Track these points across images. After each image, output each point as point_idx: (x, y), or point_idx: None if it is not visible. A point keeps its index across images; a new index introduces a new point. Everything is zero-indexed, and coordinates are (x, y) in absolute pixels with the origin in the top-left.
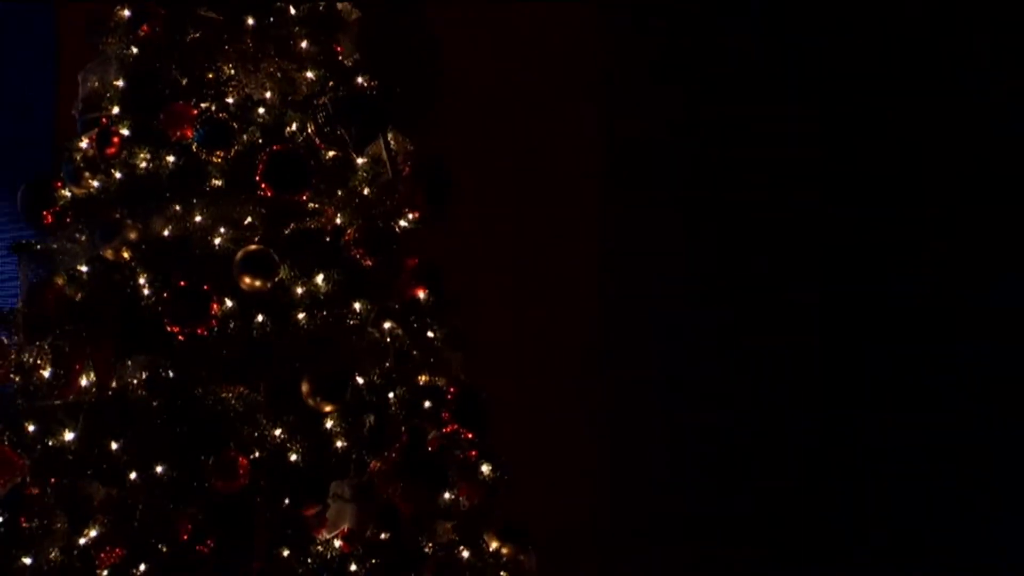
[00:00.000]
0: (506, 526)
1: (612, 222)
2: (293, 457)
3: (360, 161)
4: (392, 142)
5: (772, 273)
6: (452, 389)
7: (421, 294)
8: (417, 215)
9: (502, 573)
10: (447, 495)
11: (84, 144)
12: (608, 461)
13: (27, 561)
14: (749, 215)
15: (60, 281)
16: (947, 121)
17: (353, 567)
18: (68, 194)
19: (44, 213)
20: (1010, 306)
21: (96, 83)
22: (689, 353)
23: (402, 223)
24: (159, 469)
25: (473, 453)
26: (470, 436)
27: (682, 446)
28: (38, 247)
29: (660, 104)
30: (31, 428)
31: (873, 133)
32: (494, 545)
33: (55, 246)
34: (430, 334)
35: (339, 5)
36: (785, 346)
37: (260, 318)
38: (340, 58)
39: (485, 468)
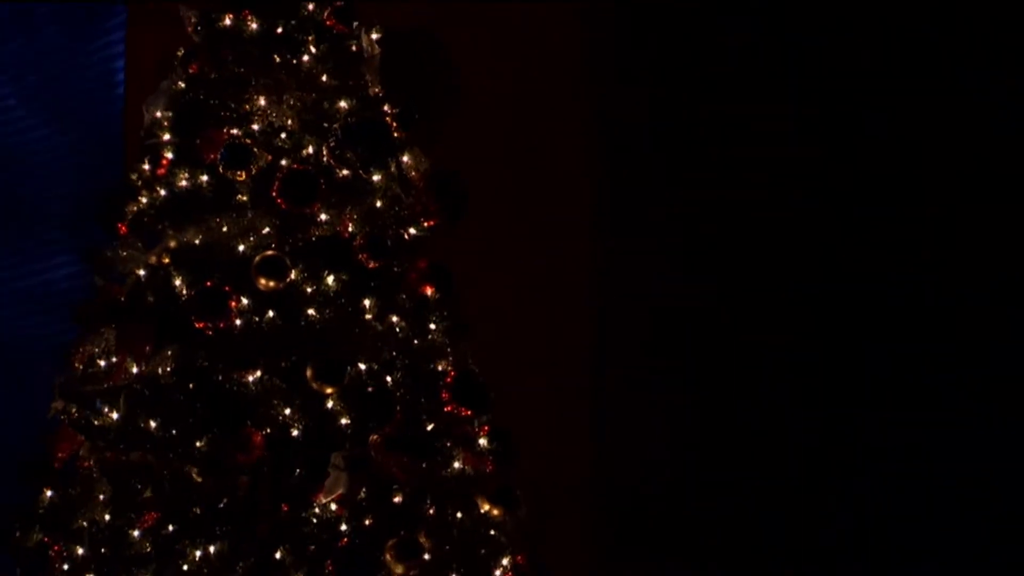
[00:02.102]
0: (496, 490)
1: (609, 221)
2: (295, 432)
3: (376, 178)
4: (409, 160)
5: (772, 272)
6: (452, 373)
7: (429, 291)
8: (432, 223)
9: (491, 531)
10: (456, 464)
11: (146, 166)
12: (606, 461)
13: (84, 524)
14: (748, 214)
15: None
16: (947, 121)
17: (343, 527)
18: (135, 208)
19: (119, 224)
20: (1010, 306)
21: (157, 113)
22: (688, 353)
23: (411, 230)
24: (187, 443)
25: (486, 428)
26: (468, 414)
27: (681, 445)
28: (108, 254)
29: (658, 102)
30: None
31: (873, 133)
32: (485, 507)
33: (123, 253)
34: (432, 326)
35: (364, 41)
36: (785, 346)
37: (271, 314)
38: (369, 88)
39: (483, 441)
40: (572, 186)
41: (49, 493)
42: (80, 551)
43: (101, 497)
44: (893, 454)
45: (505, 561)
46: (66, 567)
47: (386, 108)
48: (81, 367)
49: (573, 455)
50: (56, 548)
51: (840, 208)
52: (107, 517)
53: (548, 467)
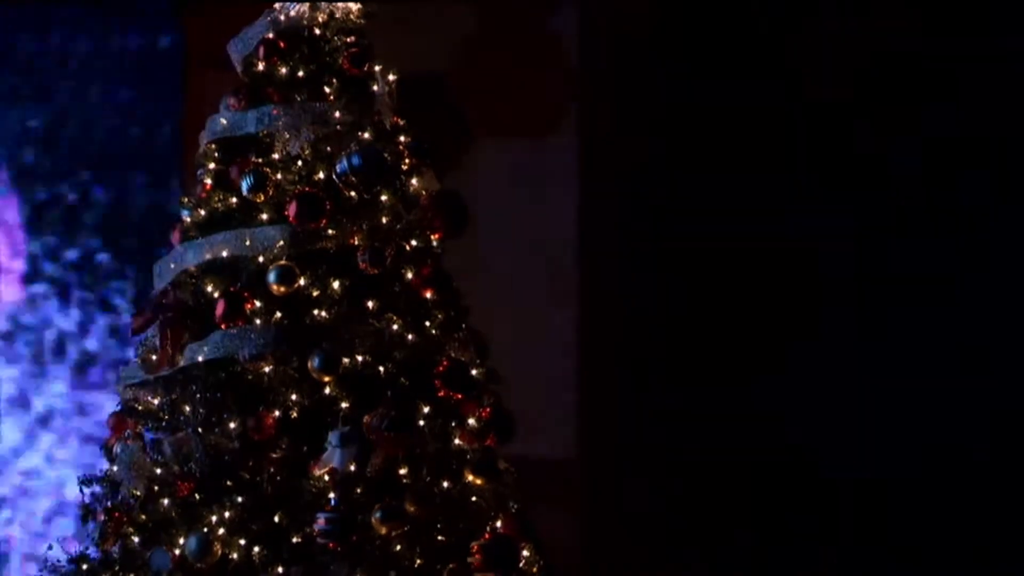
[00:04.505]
0: (479, 461)
1: (602, 218)
2: (301, 414)
3: (383, 198)
4: (418, 182)
5: (770, 270)
6: (445, 362)
7: (429, 294)
8: (438, 236)
9: (473, 498)
10: (456, 441)
11: (197, 189)
12: (600, 461)
13: (137, 492)
14: (739, 209)
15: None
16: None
17: (331, 495)
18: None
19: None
20: (1010, 305)
21: (211, 145)
22: (685, 352)
23: (413, 242)
24: (213, 423)
25: (487, 411)
26: (459, 397)
27: (677, 445)
28: (171, 264)
29: (647, 94)
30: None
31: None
32: (470, 478)
33: (172, 264)
34: (427, 324)
35: (381, 81)
36: (784, 344)
37: (279, 314)
38: (385, 122)
39: (471, 421)
40: (560, 183)
41: (115, 468)
42: (143, 517)
43: (157, 471)
44: (893, 455)
45: (490, 526)
46: (131, 531)
47: (401, 139)
48: (140, 360)
49: (563, 460)
50: (116, 515)
51: (839, 206)
52: (155, 488)
53: (536, 471)
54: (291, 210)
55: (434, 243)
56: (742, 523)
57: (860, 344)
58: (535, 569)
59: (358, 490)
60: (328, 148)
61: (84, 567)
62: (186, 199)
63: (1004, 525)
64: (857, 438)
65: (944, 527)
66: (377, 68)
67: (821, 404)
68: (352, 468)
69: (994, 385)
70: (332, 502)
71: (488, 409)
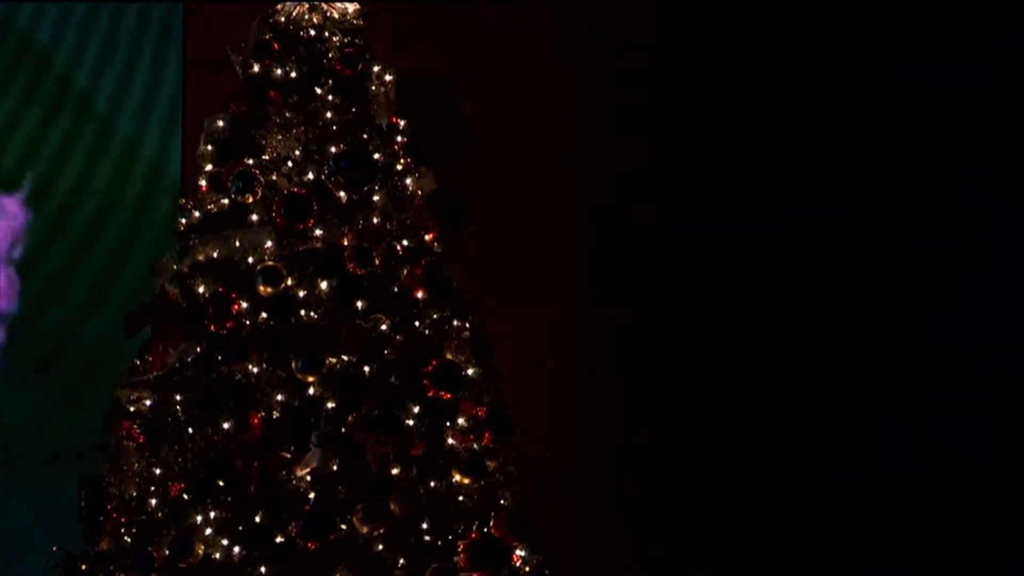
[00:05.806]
0: (468, 461)
1: (595, 216)
2: (287, 415)
3: (375, 198)
4: (412, 182)
5: (766, 269)
6: (435, 362)
7: (420, 294)
8: (433, 236)
9: (460, 497)
10: (450, 440)
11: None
12: (600, 461)
13: (134, 493)
14: (739, 209)
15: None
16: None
17: (311, 495)
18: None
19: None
20: (1010, 306)
21: (208, 147)
22: (685, 352)
23: (404, 242)
24: (203, 423)
25: (482, 411)
26: (448, 397)
27: (677, 445)
28: (172, 265)
29: (647, 94)
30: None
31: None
32: (457, 478)
33: (172, 265)
34: (417, 323)
35: (377, 81)
36: (781, 343)
37: (264, 315)
38: (381, 123)
39: (462, 420)
40: (556, 180)
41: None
42: (142, 518)
43: (156, 471)
44: (894, 454)
45: (479, 525)
46: (128, 531)
47: (398, 139)
48: (137, 361)
49: (558, 460)
50: (115, 515)
51: (835, 204)
52: (150, 488)
53: (542, 461)
54: (277, 211)
55: (431, 243)
56: (742, 523)
57: (860, 344)
58: (528, 568)
59: (341, 489)
60: (319, 149)
61: (83, 566)
62: (185, 200)
63: (1004, 525)
64: (857, 438)
65: (944, 527)
66: (375, 68)
67: (822, 404)
68: (334, 468)
69: (994, 385)
70: (312, 502)
71: (484, 408)
